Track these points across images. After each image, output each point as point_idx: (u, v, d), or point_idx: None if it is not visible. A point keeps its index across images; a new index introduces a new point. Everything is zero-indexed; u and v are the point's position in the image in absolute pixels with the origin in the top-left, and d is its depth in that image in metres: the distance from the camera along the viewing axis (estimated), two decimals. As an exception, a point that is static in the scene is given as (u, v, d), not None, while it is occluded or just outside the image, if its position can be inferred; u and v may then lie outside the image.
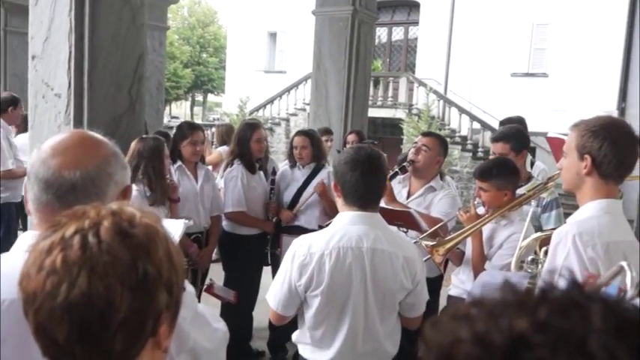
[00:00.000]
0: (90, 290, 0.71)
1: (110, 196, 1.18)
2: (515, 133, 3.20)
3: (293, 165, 3.92)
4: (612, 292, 1.03)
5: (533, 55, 14.74)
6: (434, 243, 2.52)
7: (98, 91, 3.44)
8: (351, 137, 5.30)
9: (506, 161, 2.75)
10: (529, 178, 3.18)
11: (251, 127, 3.77)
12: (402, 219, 2.75)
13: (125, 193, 1.24)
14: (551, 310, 0.46)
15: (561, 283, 0.50)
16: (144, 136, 3.15)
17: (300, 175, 3.87)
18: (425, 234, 2.65)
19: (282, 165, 4.10)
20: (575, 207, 1.80)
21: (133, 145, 3.07)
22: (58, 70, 3.41)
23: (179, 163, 3.49)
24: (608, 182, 1.71)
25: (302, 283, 1.89)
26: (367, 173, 1.91)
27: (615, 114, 13.32)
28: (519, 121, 4.11)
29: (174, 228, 2.90)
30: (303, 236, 1.98)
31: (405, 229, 2.78)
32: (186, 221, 2.98)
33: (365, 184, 1.91)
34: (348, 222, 1.92)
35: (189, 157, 3.48)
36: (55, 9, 3.42)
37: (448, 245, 2.51)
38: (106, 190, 1.17)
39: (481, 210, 2.68)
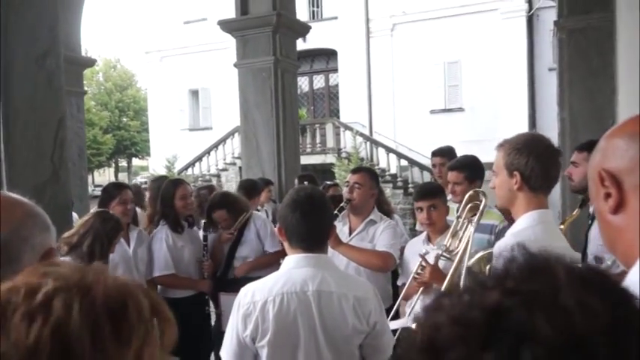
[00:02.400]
0: None
1: (26, 262, 1.07)
2: (469, 163, 3.27)
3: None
4: None
5: (448, 92, 15.66)
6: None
7: (17, 158, 3.22)
8: (298, 182, 5.21)
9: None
10: None
11: (174, 184, 3.65)
12: None
13: (47, 257, 1.14)
14: (517, 278, 0.49)
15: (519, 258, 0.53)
16: (106, 210, 3.04)
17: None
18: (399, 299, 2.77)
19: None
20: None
21: (91, 214, 2.97)
22: (-29, 141, 3.17)
23: None
24: (537, 194, 1.80)
25: (248, 334, 1.77)
26: (308, 213, 1.84)
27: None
28: (449, 151, 4.28)
29: None
30: (249, 284, 1.88)
31: None
32: None
33: (307, 224, 1.83)
34: (293, 266, 1.84)
35: (120, 217, 3.29)
36: (-36, 80, 3.21)
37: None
38: (20, 257, 1.07)
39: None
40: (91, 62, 8.45)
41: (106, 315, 0.64)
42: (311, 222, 1.85)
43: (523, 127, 14.46)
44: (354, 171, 3.34)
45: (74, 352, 0.61)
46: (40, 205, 3.10)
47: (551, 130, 10.44)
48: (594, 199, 0.96)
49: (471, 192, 2.66)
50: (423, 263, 2.69)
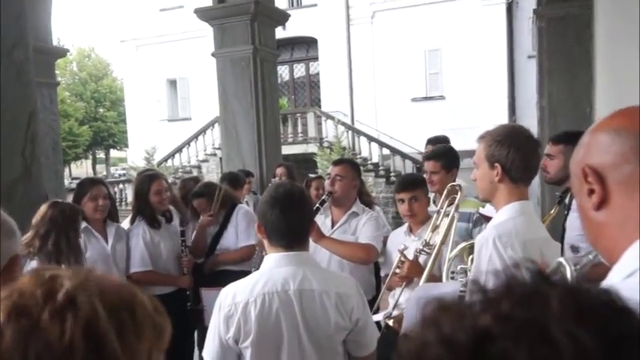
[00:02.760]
0: None
1: None
2: (445, 152, 3.33)
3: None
4: None
5: (429, 80, 15.64)
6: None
7: (-15, 156, 3.10)
8: (279, 171, 5.16)
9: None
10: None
11: (149, 179, 3.55)
12: None
13: (11, 266, 1.11)
14: (513, 301, 0.47)
15: (525, 275, 0.51)
16: (56, 200, 2.82)
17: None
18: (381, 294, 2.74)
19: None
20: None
21: (44, 209, 2.72)
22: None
23: (84, 224, 3.18)
24: (518, 186, 1.83)
25: (230, 336, 1.75)
26: (288, 210, 1.80)
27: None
28: (444, 139, 4.42)
29: None
30: (229, 285, 1.84)
31: None
32: None
33: (286, 221, 1.80)
34: (273, 265, 1.81)
35: (92, 214, 3.18)
36: None
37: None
38: None
39: (411, 255, 2.68)
40: (62, 52, 8.22)
41: (126, 310, 0.66)
42: (291, 219, 1.81)
43: (503, 115, 14.60)
44: (336, 163, 3.30)
45: (105, 349, 0.62)
46: (11, 203, 2.98)
47: (530, 117, 10.53)
48: (577, 195, 0.95)
49: (448, 186, 2.71)
50: (402, 258, 2.69)
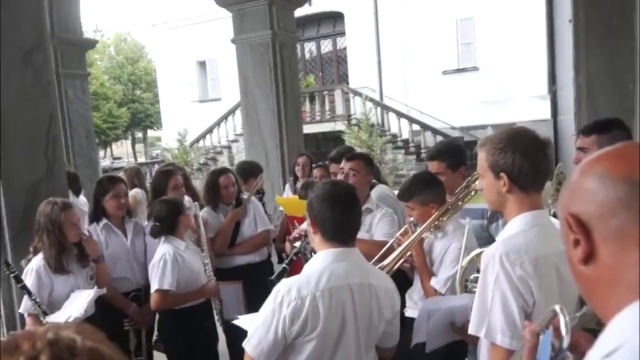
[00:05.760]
0: None
1: None
2: (449, 150, 3.02)
3: (215, 206, 3.73)
4: (546, 345, 1.01)
5: (461, 51, 15.00)
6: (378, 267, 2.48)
7: (10, 158, 3.27)
8: (301, 160, 5.04)
9: (423, 176, 2.72)
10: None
11: (165, 175, 3.64)
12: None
13: None
14: None
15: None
16: (51, 199, 2.92)
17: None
18: (374, 259, 2.59)
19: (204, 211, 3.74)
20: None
21: (39, 207, 2.88)
22: (-36, 140, 3.22)
23: (104, 220, 3.33)
24: (529, 194, 1.67)
25: (295, 329, 1.81)
26: (348, 208, 1.92)
27: (547, 98, 13.86)
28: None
29: (83, 297, 2.77)
30: (285, 281, 1.90)
31: None
32: (98, 289, 2.86)
33: (347, 218, 1.91)
34: (332, 259, 1.89)
35: (114, 211, 3.32)
36: (-48, 80, 3.23)
37: (387, 268, 2.48)
38: None
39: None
40: (92, 43, 8.41)
41: None
42: (350, 216, 1.93)
43: (542, 85, 13.97)
44: (349, 158, 3.25)
45: None
46: (36, 202, 3.13)
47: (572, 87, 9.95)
48: (564, 243, 0.83)
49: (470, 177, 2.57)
50: (409, 229, 2.64)
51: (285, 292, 1.83)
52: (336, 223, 1.89)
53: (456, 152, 3.02)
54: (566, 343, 0.96)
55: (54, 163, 3.52)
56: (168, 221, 3.11)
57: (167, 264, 3.00)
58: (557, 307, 1.01)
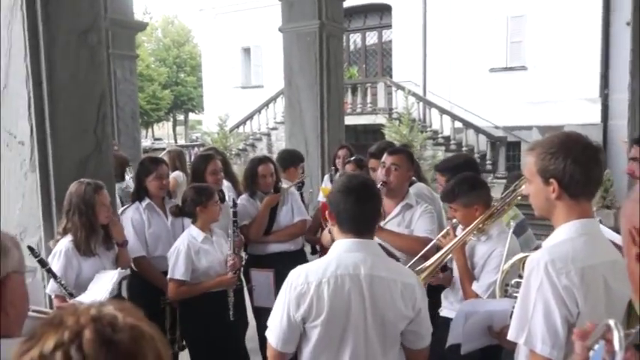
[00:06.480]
0: None
1: None
2: (457, 167, 3.07)
3: (253, 194, 3.76)
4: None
5: (510, 49, 14.58)
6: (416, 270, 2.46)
7: (62, 134, 3.38)
8: (342, 152, 5.05)
9: (466, 177, 2.68)
10: None
11: (205, 159, 3.69)
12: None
13: (6, 282, 1.14)
14: None
15: None
16: (82, 179, 2.92)
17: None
18: (417, 256, 2.59)
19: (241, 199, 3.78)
20: (544, 226, 1.74)
21: (70, 187, 2.86)
22: (19, 117, 3.35)
23: (147, 200, 3.40)
24: (579, 202, 1.63)
25: (300, 314, 1.85)
26: (362, 199, 1.91)
27: (598, 101, 13.38)
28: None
29: (108, 278, 2.76)
30: (299, 267, 1.94)
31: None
32: (122, 270, 2.85)
33: (360, 210, 1.91)
34: (344, 249, 1.90)
35: (157, 192, 3.40)
36: (10, 55, 3.35)
37: (428, 271, 2.45)
38: None
39: (460, 231, 2.62)
40: (142, 26, 8.61)
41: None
42: (364, 208, 1.92)
43: (594, 88, 13.46)
44: (392, 152, 3.21)
45: None
46: (84, 177, 3.18)
47: (626, 92, 9.57)
48: (625, 255, 0.79)
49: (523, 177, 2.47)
50: (450, 231, 2.62)
51: (293, 278, 1.88)
52: (350, 215, 1.90)
53: (466, 169, 2.98)
54: (619, 359, 0.93)
55: (102, 140, 3.62)
56: (188, 207, 3.14)
57: (180, 255, 3.03)
58: (611, 322, 0.95)
